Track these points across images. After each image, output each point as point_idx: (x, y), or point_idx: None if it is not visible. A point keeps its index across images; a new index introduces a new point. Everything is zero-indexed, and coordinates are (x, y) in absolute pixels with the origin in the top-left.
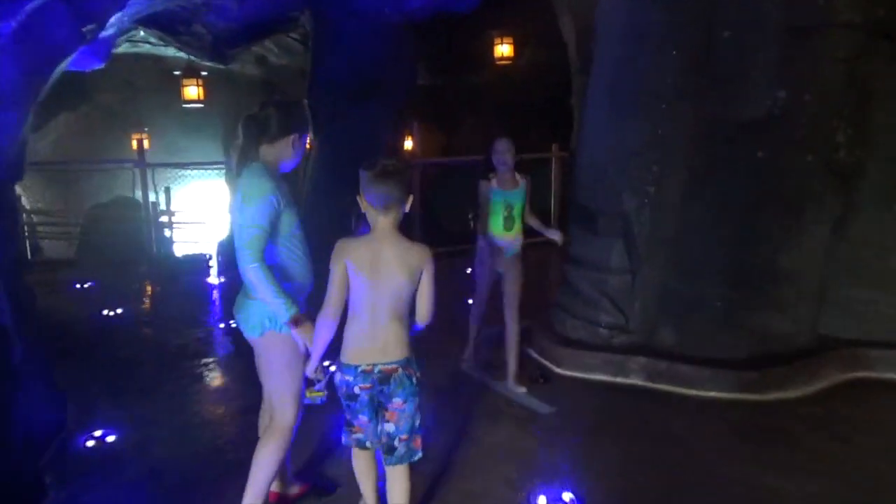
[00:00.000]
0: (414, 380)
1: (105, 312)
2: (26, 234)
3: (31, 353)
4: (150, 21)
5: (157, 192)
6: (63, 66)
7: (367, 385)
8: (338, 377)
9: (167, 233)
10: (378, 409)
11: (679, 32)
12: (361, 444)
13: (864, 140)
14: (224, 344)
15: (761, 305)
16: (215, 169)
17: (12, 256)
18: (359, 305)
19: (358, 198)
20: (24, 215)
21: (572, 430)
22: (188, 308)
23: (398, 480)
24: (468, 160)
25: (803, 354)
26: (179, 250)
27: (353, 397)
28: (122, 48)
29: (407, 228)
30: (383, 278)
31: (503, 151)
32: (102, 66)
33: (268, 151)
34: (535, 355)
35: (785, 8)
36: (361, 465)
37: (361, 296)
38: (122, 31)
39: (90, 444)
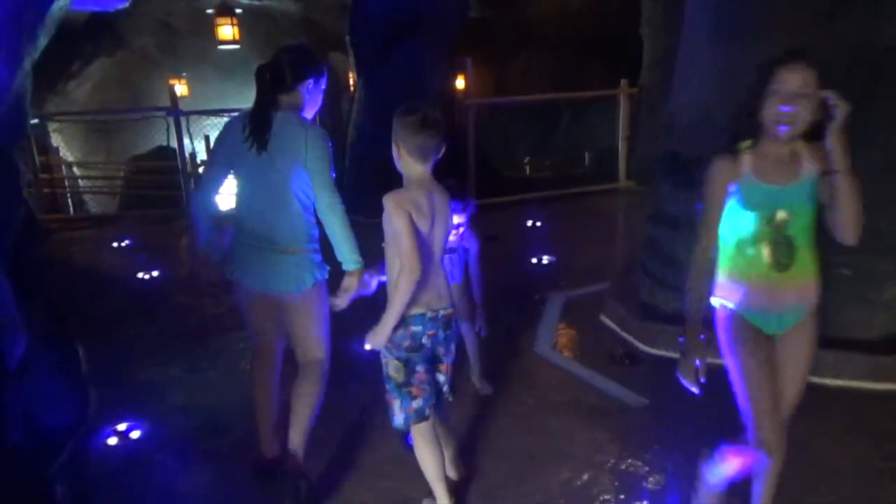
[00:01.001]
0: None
1: (139, 275)
2: (67, 189)
3: (44, 340)
4: None
5: (192, 141)
6: (62, 3)
7: (433, 332)
8: (400, 332)
9: None
10: (433, 361)
11: None
12: (421, 413)
13: None
14: None
15: None
16: None
17: (13, 228)
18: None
19: (394, 145)
20: (64, 168)
21: (666, 426)
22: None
23: (448, 435)
24: (529, 99)
25: None
26: (222, 203)
27: (419, 348)
28: None
29: (462, 177)
30: (436, 226)
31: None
32: (126, 4)
33: (287, 101)
34: (614, 327)
35: None
36: (426, 443)
37: (420, 245)
38: None
39: (112, 441)
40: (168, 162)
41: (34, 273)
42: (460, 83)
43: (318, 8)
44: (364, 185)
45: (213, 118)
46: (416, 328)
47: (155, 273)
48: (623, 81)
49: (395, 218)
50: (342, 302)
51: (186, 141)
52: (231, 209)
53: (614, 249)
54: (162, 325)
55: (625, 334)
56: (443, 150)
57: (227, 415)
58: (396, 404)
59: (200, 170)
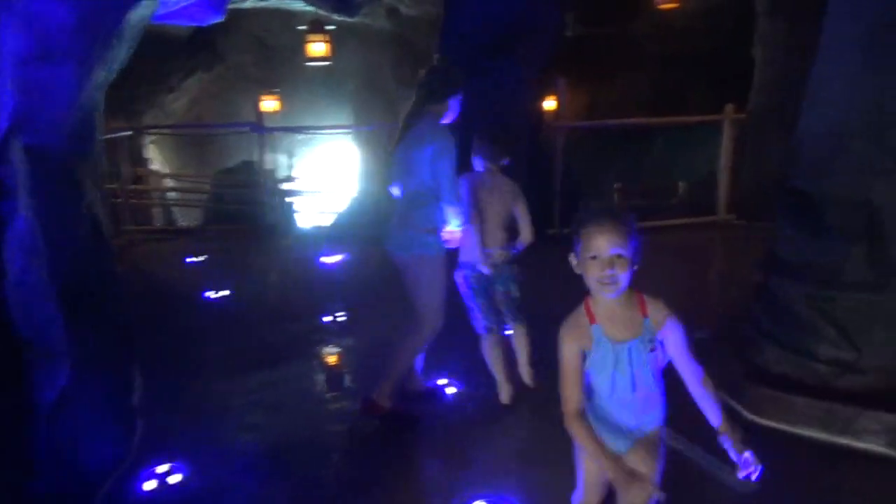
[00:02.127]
0: None
1: (209, 294)
2: (157, 200)
3: (95, 367)
4: None
5: (276, 157)
6: (142, 13)
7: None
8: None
9: (290, 201)
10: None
11: None
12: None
13: None
14: (336, 344)
15: None
16: (341, 133)
17: (69, 252)
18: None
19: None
20: (156, 180)
21: None
22: (301, 293)
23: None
24: (623, 123)
25: None
26: (304, 221)
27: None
28: (249, 3)
29: (547, 203)
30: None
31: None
32: (221, 18)
33: (436, 110)
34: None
35: None
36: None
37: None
38: None
39: (149, 486)
40: (250, 176)
41: (97, 293)
42: (551, 104)
43: (408, 24)
44: None
45: (303, 134)
46: None
47: (226, 292)
48: (728, 106)
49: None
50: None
51: (270, 156)
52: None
53: (713, 292)
54: (221, 349)
55: (728, 398)
56: None
57: (290, 454)
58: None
59: (282, 185)
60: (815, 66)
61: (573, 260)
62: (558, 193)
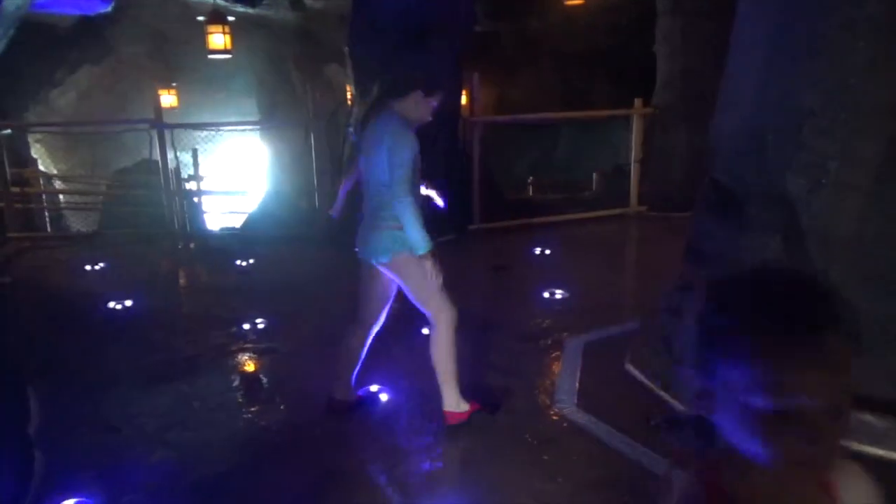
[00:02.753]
0: None
1: (111, 305)
2: (45, 204)
3: None
4: None
5: (178, 155)
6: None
7: None
8: None
9: (196, 201)
10: None
11: None
12: None
13: None
14: (256, 352)
15: None
16: (247, 129)
17: None
18: None
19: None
20: (43, 182)
21: None
22: (214, 299)
23: None
24: (538, 118)
25: None
26: (212, 222)
27: None
28: None
29: (466, 200)
30: None
31: None
32: (108, 8)
33: (400, 107)
34: (644, 380)
35: None
36: None
37: None
38: None
39: None
40: (151, 176)
41: None
42: (463, 99)
43: (315, 18)
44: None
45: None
46: None
47: (129, 303)
48: (637, 101)
49: None
50: None
51: (171, 155)
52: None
53: (632, 283)
54: (125, 365)
55: (659, 390)
56: None
57: (211, 477)
58: None
59: (187, 185)
60: (728, 65)
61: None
62: (477, 189)
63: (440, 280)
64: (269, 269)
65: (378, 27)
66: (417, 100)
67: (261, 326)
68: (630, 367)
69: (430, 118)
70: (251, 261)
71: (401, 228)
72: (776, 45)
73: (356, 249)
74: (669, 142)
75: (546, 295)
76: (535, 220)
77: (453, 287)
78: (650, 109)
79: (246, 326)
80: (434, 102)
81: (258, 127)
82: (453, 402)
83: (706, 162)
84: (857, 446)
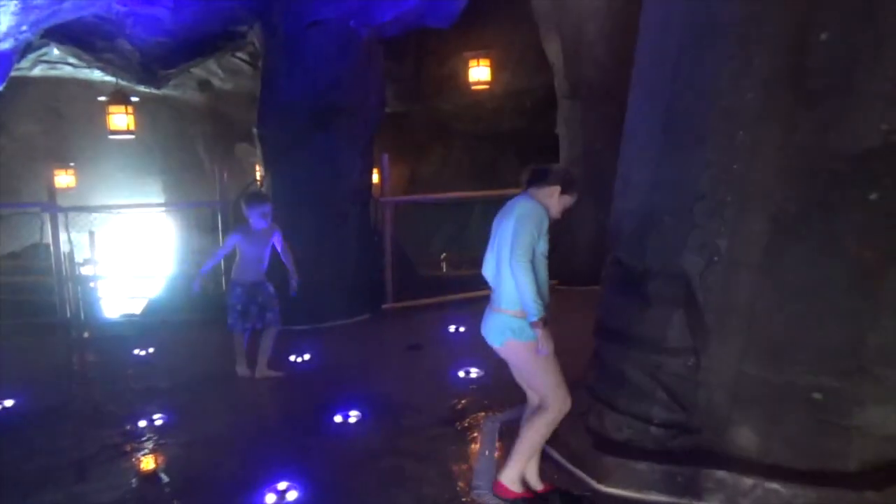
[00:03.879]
0: None
1: None
2: None
3: None
4: (60, 34)
5: (70, 238)
6: None
7: None
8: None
9: (92, 287)
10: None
11: (762, 32)
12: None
13: None
14: (147, 452)
15: (877, 398)
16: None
17: None
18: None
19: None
20: None
21: None
22: (109, 393)
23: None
24: (449, 197)
25: None
26: (110, 309)
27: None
28: (38, 70)
29: (378, 279)
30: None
31: None
32: (0, 88)
33: (537, 193)
34: (560, 460)
35: None
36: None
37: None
38: (25, 47)
39: None
40: (41, 262)
41: None
42: (374, 179)
43: (224, 98)
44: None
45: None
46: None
47: (9, 402)
48: None
49: None
50: None
51: (65, 237)
52: None
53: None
54: (19, 467)
55: (574, 468)
56: None
57: None
58: None
59: (81, 270)
60: (622, 150)
61: None
62: (389, 268)
63: (554, 363)
64: (170, 356)
65: (288, 108)
66: (554, 193)
67: (158, 422)
68: (547, 447)
69: (558, 216)
70: (151, 349)
71: (510, 314)
72: (667, 131)
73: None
74: (575, 219)
75: (461, 374)
76: (449, 297)
77: (367, 368)
78: None
79: (142, 423)
80: (569, 200)
81: (164, 208)
82: (513, 478)
83: (608, 241)
84: None
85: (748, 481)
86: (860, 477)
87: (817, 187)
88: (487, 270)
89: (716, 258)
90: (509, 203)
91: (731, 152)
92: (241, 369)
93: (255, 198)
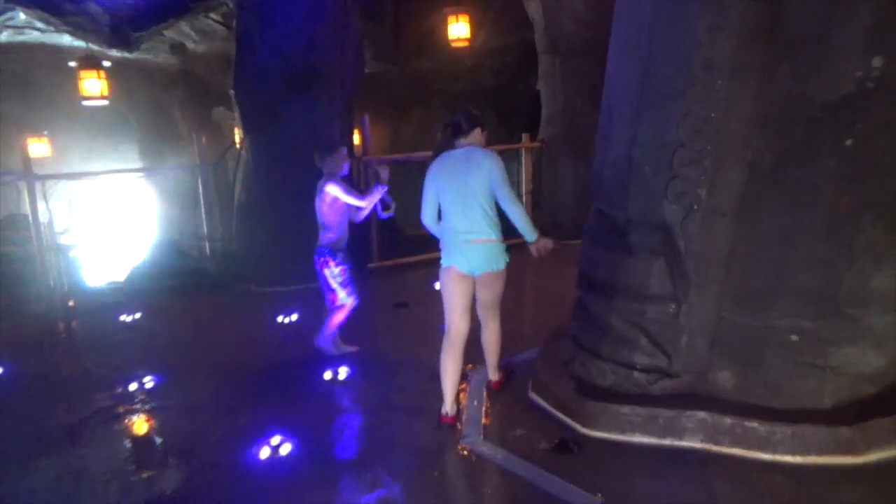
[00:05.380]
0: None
1: None
2: None
3: None
4: None
5: (52, 206)
6: None
7: None
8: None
9: (73, 256)
10: None
11: None
12: None
13: None
14: (140, 415)
15: (851, 338)
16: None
17: None
18: None
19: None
20: None
21: None
22: (98, 359)
23: None
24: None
25: None
26: (93, 277)
27: None
28: (4, 36)
29: (362, 240)
30: None
31: None
32: None
33: (474, 139)
34: (547, 407)
35: None
36: None
37: None
38: None
39: None
40: (20, 231)
41: None
42: (356, 140)
43: (198, 62)
44: (259, 252)
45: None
46: None
47: None
48: (525, 135)
49: None
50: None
51: (44, 207)
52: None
53: (531, 312)
54: (12, 435)
55: (560, 415)
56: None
57: None
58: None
59: (60, 240)
60: (603, 102)
61: None
62: (374, 227)
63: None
64: (157, 321)
65: (265, 71)
66: (481, 134)
67: (149, 385)
68: (533, 395)
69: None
70: (137, 315)
71: (498, 242)
72: (646, 83)
73: (451, 265)
74: (557, 173)
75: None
76: (433, 255)
77: (355, 327)
78: (536, 143)
79: (132, 386)
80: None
81: (142, 174)
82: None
83: (591, 191)
84: (744, 452)
85: (727, 420)
86: (834, 413)
87: (793, 136)
88: (431, 217)
89: (695, 207)
90: (455, 155)
91: (708, 102)
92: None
93: (329, 144)
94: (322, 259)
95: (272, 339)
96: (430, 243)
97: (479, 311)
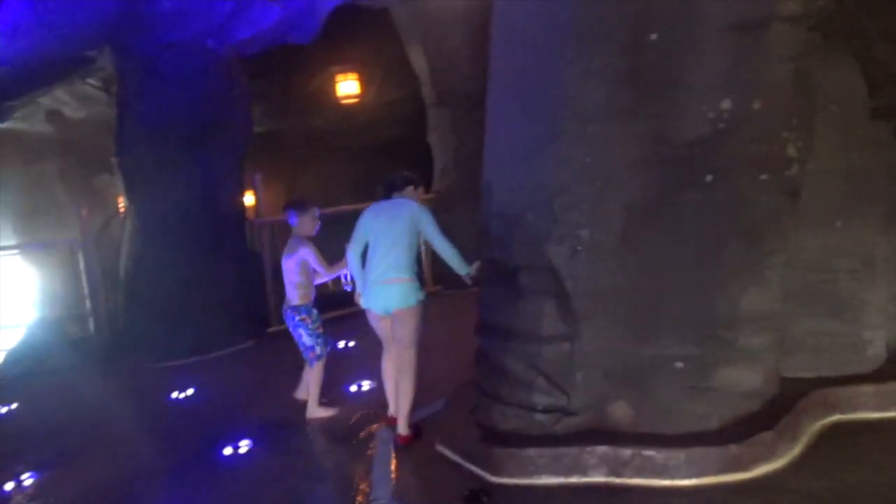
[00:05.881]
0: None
1: None
2: None
3: None
4: None
5: None
6: None
7: None
8: None
9: None
10: None
11: (603, 34)
12: None
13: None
14: None
15: (729, 359)
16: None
17: None
18: None
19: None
20: None
21: None
22: None
23: None
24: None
25: (776, 409)
26: None
27: None
28: None
29: (259, 303)
30: None
31: None
32: None
33: (405, 195)
34: (455, 458)
35: (722, 0)
36: None
37: None
38: None
39: None
40: None
41: None
42: (250, 200)
43: (78, 129)
44: (150, 325)
45: None
46: None
47: None
48: (418, 189)
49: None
50: None
51: None
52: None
53: (436, 362)
54: None
55: (469, 465)
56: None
57: None
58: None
59: None
60: (485, 153)
61: None
62: (270, 292)
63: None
64: (36, 410)
65: (149, 134)
66: (414, 191)
67: (27, 483)
68: (440, 448)
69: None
70: (13, 405)
71: (410, 281)
72: (524, 132)
73: (368, 307)
74: (453, 223)
75: (353, 388)
76: (336, 312)
77: (255, 395)
78: (431, 195)
79: (9, 486)
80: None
81: (16, 251)
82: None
83: (480, 239)
84: (645, 481)
85: (627, 452)
86: (722, 433)
87: (661, 174)
88: (356, 252)
89: (579, 248)
90: (385, 205)
91: (583, 147)
92: (321, 409)
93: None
94: (295, 318)
95: (168, 417)
96: (331, 301)
97: (395, 353)
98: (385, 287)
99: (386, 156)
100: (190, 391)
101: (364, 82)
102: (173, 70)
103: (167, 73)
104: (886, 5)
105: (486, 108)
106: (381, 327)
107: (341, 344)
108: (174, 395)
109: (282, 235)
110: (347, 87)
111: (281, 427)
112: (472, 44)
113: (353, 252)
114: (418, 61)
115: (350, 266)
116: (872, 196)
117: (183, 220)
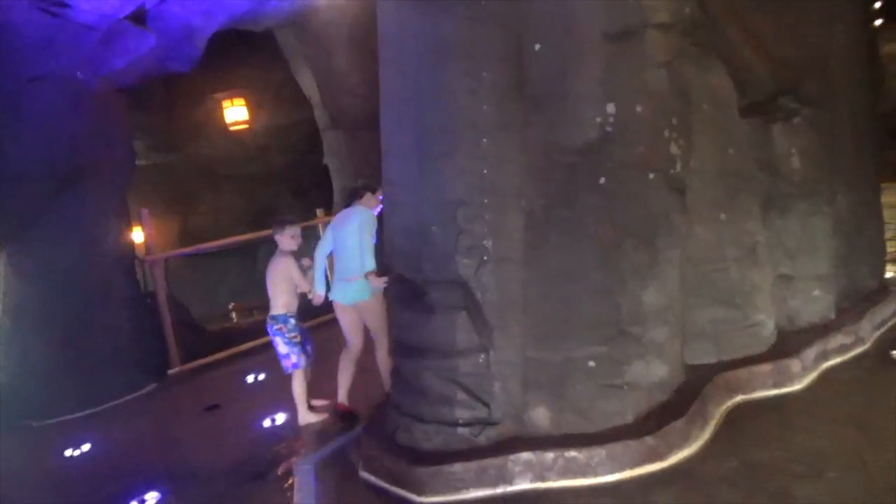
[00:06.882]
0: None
1: None
2: None
3: None
4: None
5: None
6: None
7: None
8: None
9: None
10: None
11: (487, 47)
12: None
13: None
14: None
15: (637, 353)
16: None
17: None
18: None
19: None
20: None
21: None
22: None
23: None
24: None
25: (685, 397)
26: None
27: None
28: None
29: (158, 344)
30: None
31: None
32: None
33: (361, 203)
34: (379, 483)
35: (597, 11)
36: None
37: None
38: None
39: None
40: None
41: None
42: (139, 237)
43: None
44: (31, 381)
45: None
46: None
47: None
48: (319, 211)
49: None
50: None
51: None
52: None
53: (357, 389)
54: None
55: (395, 488)
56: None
57: None
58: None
59: None
60: (384, 170)
61: None
62: (170, 331)
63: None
64: None
65: (19, 176)
66: (371, 198)
67: None
68: (364, 474)
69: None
70: None
71: (364, 279)
72: (421, 147)
73: (334, 298)
74: None
75: (267, 423)
76: (243, 347)
77: (160, 442)
78: (330, 218)
79: None
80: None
81: None
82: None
83: (387, 260)
84: (570, 482)
85: (549, 455)
86: (637, 426)
87: (556, 180)
88: (322, 254)
89: (485, 258)
90: (345, 213)
91: (479, 159)
92: (311, 415)
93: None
94: (273, 326)
95: (63, 476)
96: (235, 337)
97: (354, 349)
98: (346, 284)
99: (283, 180)
100: (86, 447)
101: (253, 107)
102: (42, 106)
103: (33, 110)
104: (747, 15)
105: (381, 127)
106: (344, 318)
107: (250, 378)
108: (67, 452)
109: (181, 271)
110: (235, 113)
111: (192, 473)
112: (359, 64)
113: (319, 253)
114: (308, 84)
115: (315, 265)
116: (749, 189)
117: (62, 266)
